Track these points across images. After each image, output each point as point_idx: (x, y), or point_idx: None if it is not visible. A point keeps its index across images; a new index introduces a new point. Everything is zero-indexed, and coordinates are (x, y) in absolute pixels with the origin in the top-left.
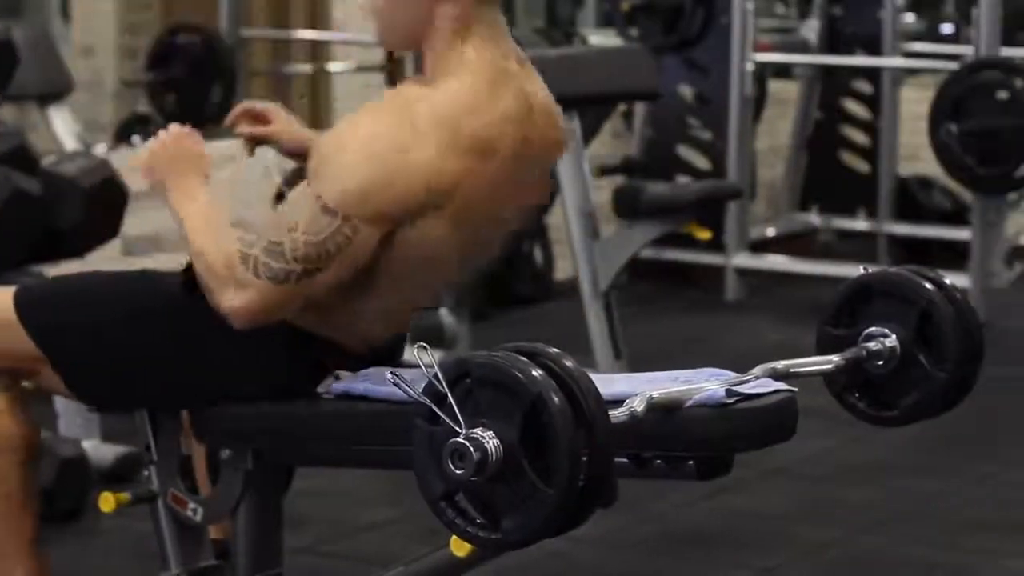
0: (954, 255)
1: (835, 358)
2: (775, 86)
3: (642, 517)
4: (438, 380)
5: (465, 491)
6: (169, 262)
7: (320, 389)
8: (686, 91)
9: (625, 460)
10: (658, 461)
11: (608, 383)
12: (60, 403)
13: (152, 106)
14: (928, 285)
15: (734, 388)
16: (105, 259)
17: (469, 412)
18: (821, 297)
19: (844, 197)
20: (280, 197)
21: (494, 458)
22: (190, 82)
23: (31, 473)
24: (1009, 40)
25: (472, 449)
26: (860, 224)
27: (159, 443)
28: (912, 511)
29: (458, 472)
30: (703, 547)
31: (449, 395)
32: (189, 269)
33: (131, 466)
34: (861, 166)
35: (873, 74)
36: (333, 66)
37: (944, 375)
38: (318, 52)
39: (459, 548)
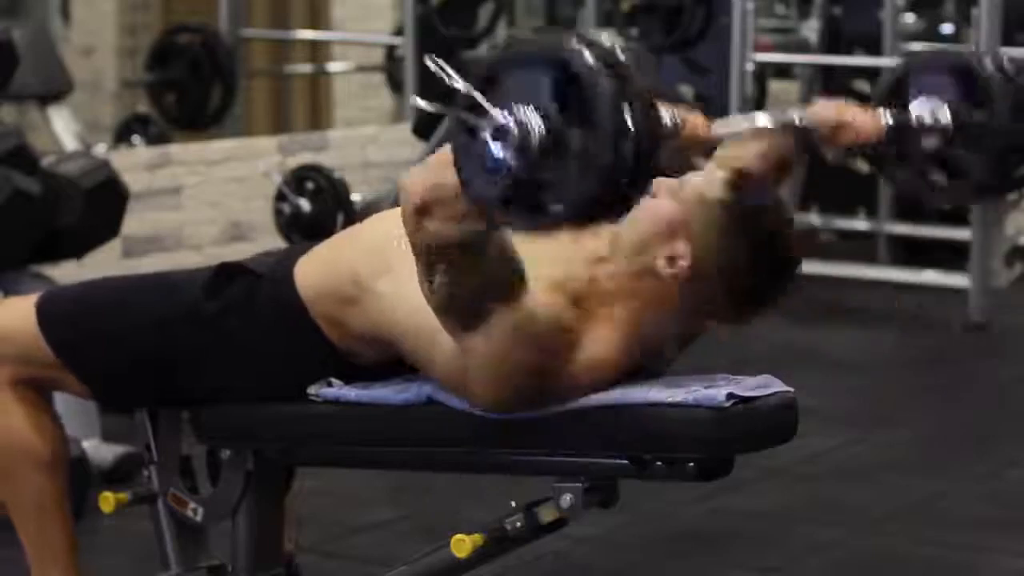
0: (954, 255)
1: (885, 114)
2: (775, 86)
3: (642, 517)
4: (472, 73)
5: (512, 178)
6: (169, 262)
7: (310, 391)
8: (686, 91)
9: (625, 461)
10: (658, 463)
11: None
12: (60, 404)
13: (152, 106)
14: (987, 61)
15: (734, 390)
16: (105, 259)
17: (506, 98)
18: (821, 297)
19: (844, 197)
20: (281, 197)
21: (537, 134)
22: (190, 82)
23: (60, 483)
24: (1009, 40)
25: (515, 127)
26: (860, 224)
27: (159, 443)
28: (912, 511)
29: (503, 155)
30: (703, 547)
31: (487, 82)
32: (218, 269)
33: (131, 466)
34: (861, 166)
35: (873, 74)
36: (333, 66)
37: (988, 158)
38: (318, 52)
39: (459, 548)
